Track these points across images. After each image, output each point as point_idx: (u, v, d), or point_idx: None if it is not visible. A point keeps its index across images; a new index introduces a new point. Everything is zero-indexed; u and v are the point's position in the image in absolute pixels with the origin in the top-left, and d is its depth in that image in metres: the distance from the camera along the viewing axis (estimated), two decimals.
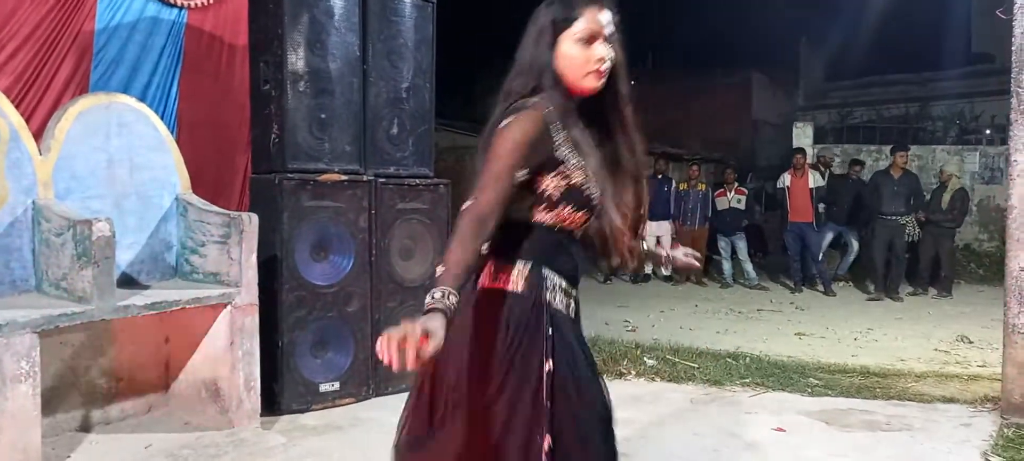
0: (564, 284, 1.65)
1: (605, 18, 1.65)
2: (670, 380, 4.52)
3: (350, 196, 3.87)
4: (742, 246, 9.21)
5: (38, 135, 3.30)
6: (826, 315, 7.25)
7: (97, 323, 3.07)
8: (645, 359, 4.88)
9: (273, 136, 3.76)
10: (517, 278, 1.60)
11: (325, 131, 3.82)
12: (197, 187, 3.79)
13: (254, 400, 3.47)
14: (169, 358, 3.69)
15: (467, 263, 1.45)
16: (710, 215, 9.51)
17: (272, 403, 3.64)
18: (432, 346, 1.29)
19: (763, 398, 4.21)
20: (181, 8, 4.30)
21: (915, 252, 8.60)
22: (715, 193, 9.57)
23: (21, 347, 2.69)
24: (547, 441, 1.52)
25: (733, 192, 9.35)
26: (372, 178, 3.96)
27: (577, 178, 1.61)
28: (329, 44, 3.81)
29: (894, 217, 8.28)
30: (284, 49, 3.68)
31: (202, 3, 4.38)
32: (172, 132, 3.98)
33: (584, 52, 1.63)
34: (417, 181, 4.17)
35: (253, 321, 3.45)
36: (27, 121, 3.28)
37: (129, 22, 4.07)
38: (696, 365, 4.75)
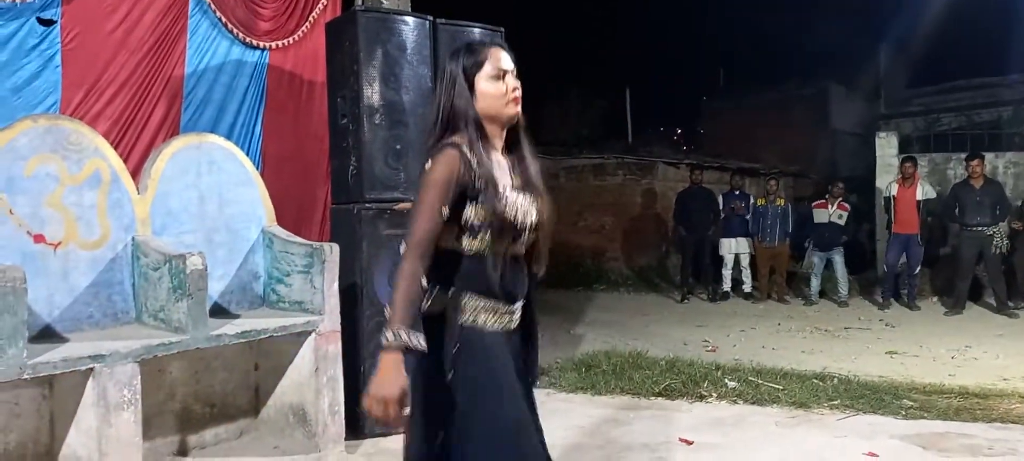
0: (488, 304, 1.84)
1: (504, 56, 1.91)
2: (753, 402, 4.39)
3: None
4: (840, 261, 8.82)
5: (135, 175, 3.50)
6: (919, 332, 6.91)
7: (192, 351, 3.22)
8: (726, 381, 4.76)
9: (351, 168, 3.88)
10: (441, 303, 1.82)
11: (400, 161, 3.92)
12: (281, 219, 3.95)
13: (338, 424, 3.57)
14: (258, 384, 3.83)
15: (412, 299, 1.71)
16: (791, 230, 9.22)
17: (355, 427, 3.72)
18: (404, 402, 1.66)
19: (853, 421, 4.04)
20: (263, 49, 4.51)
21: (1009, 264, 8.13)
22: (814, 204, 9.22)
23: (123, 376, 2.85)
24: (440, 438, 1.79)
25: (835, 206, 8.91)
26: None
27: (497, 206, 1.80)
28: (402, 77, 3.92)
29: (980, 228, 7.87)
30: (360, 84, 3.81)
31: (283, 44, 4.59)
32: (257, 167, 4.17)
33: (499, 86, 1.88)
34: None
35: (336, 348, 3.55)
36: (125, 162, 3.50)
37: (216, 65, 4.30)
38: (781, 386, 4.61)
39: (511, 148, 1.96)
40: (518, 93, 1.90)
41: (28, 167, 3.05)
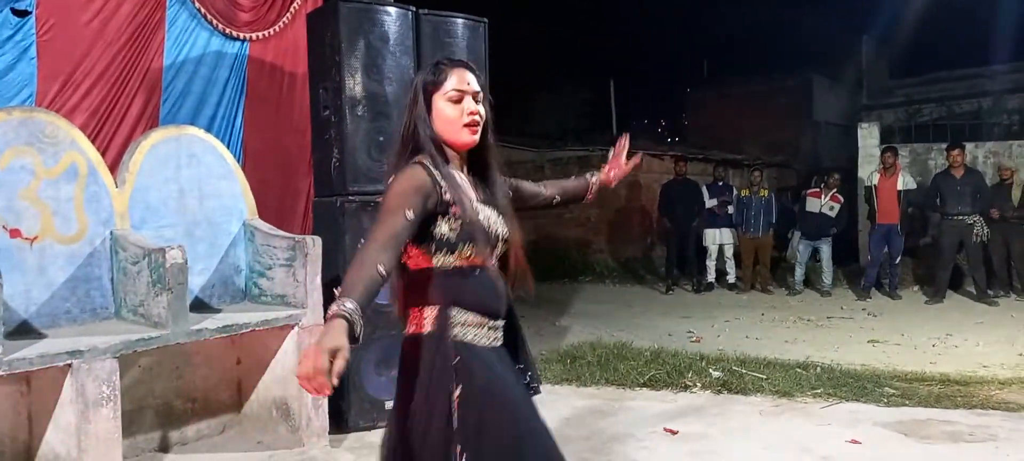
0: (477, 318, 1.78)
1: (470, 77, 1.81)
2: (737, 392, 4.41)
3: None
4: (827, 251, 8.85)
5: (113, 168, 3.45)
6: (900, 321, 6.97)
7: (172, 347, 3.18)
8: (710, 370, 4.78)
9: (334, 160, 3.84)
10: (428, 321, 1.77)
11: (383, 153, 3.87)
12: (262, 212, 3.91)
13: (322, 419, 3.54)
14: (241, 379, 3.79)
15: (363, 282, 1.57)
16: (774, 221, 9.26)
17: (340, 421, 3.70)
18: (340, 361, 1.43)
19: (836, 409, 4.07)
20: (244, 40, 4.46)
21: (987, 253, 8.21)
22: (808, 192, 9.24)
23: (102, 372, 2.81)
24: (463, 456, 1.67)
25: (828, 197, 8.89)
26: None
27: (470, 215, 1.75)
28: (385, 68, 3.88)
29: (961, 217, 7.95)
30: (342, 75, 3.77)
31: (263, 35, 4.54)
32: (238, 160, 4.12)
33: (456, 109, 1.79)
34: None
35: None
36: (102, 155, 3.45)
37: (195, 57, 4.24)
38: (764, 376, 4.63)
39: (476, 171, 1.88)
40: (475, 119, 1.80)
41: (2, 160, 3.00)
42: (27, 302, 3.07)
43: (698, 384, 4.55)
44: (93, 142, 3.43)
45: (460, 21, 4.16)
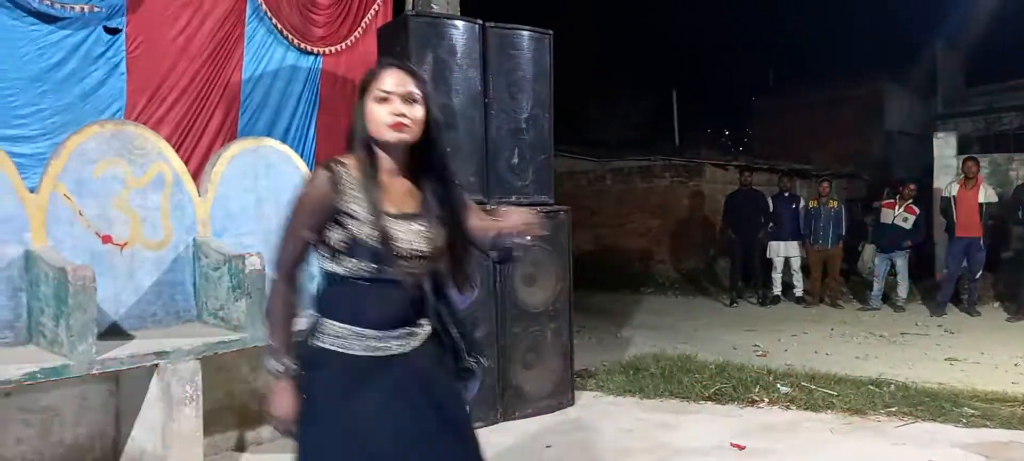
0: (352, 330, 1.76)
1: (402, 78, 1.79)
2: (807, 408, 4.31)
3: None
4: (903, 264, 8.57)
5: (196, 178, 3.62)
6: (979, 338, 6.69)
7: (250, 349, 3.31)
8: (778, 385, 4.68)
9: None
10: (305, 323, 1.80)
11: (450, 164, 3.94)
12: None
13: None
14: None
15: (284, 322, 1.76)
16: (844, 233, 9.01)
17: None
18: (291, 416, 1.75)
19: (911, 429, 3.94)
20: (317, 55, 4.61)
21: None
22: (883, 203, 8.97)
23: (186, 372, 2.95)
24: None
25: (902, 208, 8.59)
26: (495, 207, 4.06)
27: (360, 232, 1.73)
28: (452, 80, 3.96)
29: None
30: None
31: (335, 49, 4.68)
32: (311, 170, 4.25)
33: (382, 108, 1.77)
34: (538, 208, 4.23)
35: None
36: (185, 165, 3.61)
37: (271, 71, 4.40)
38: (835, 392, 4.51)
39: (420, 175, 1.85)
40: (402, 120, 1.76)
41: (96, 170, 3.18)
42: (117, 305, 3.24)
43: (766, 399, 4.47)
44: (177, 153, 3.60)
45: (526, 34, 4.21)
